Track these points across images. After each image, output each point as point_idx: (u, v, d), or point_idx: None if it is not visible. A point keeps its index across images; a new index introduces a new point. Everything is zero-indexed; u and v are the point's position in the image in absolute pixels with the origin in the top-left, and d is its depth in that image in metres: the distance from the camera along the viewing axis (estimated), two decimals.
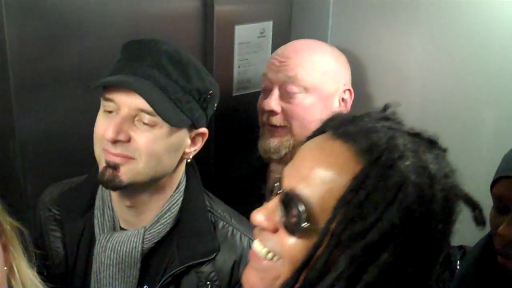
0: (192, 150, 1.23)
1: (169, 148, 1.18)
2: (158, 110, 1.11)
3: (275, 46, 1.72)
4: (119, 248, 1.21)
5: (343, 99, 1.55)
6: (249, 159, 1.67)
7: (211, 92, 1.20)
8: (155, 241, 1.22)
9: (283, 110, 1.51)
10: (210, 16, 1.61)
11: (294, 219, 0.75)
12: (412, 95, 1.61)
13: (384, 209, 0.72)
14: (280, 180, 0.80)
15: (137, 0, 1.50)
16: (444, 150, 0.82)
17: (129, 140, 1.13)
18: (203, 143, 1.25)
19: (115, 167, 1.14)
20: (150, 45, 1.16)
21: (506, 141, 1.43)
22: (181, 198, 1.25)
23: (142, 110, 1.12)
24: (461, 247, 1.29)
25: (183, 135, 1.19)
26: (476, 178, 1.49)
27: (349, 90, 1.56)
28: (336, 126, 0.80)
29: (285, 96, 1.50)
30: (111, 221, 1.25)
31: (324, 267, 0.74)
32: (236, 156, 1.75)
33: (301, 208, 0.75)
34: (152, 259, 1.24)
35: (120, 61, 1.18)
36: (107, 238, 1.22)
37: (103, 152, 1.14)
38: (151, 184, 1.20)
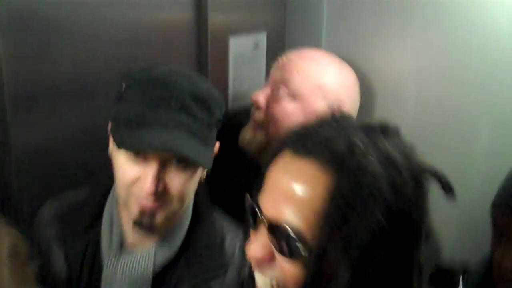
0: (206, 170, 1.23)
1: (196, 182, 1.19)
2: (199, 162, 1.13)
3: (270, 57, 1.72)
4: (129, 271, 1.19)
5: None
6: (243, 170, 1.67)
7: (223, 113, 1.21)
8: (166, 261, 1.21)
9: (267, 108, 1.51)
10: (204, 27, 1.61)
11: (286, 245, 0.78)
12: (406, 103, 1.61)
13: (365, 210, 0.75)
14: (255, 207, 0.83)
15: (130, 11, 1.49)
16: (397, 131, 0.85)
17: (165, 189, 1.13)
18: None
19: (151, 213, 1.14)
20: (171, 86, 1.12)
21: (501, 150, 1.43)
22: (191, 215, 1.25)
23: (174, 157, 1.11)
24: (464, 272, 1.30)
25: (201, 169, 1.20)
26: (470, 188, 1.50)
27: None
28: (295, 144, 0.82)
29: (274, 95, 1.51)
30: (119, 240, 1.22)
31: (327, 279, 0.76)
32: (231, 170, 1.74)
33: (290, 232, 0.77)
34: (163, 277, 1.22)
35: (140, 104, 1.13)
36: (117, 259, 1.20)
37: (136, 199, 1.13)
38: None
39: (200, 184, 1.24)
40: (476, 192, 1.46)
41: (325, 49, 1.74)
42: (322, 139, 0.80)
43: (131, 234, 1.22)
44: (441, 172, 0.84)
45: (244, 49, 1.70)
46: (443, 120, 1.53)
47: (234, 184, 1.65)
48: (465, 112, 1.49)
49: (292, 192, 0.78)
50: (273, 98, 1.51)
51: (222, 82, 1.69)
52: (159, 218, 1.15)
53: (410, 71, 1.59)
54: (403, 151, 0.81)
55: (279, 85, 1.51)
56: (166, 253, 1.21)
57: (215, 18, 1.61)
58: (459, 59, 1.48)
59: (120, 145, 1.12)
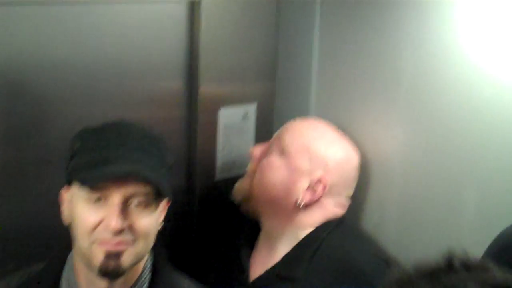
0: (162, 218, 1.23)
1: (157, 223, 1.19)
2: (165, 193, 1.15)
3: (259, 128, 1.74)
4: None
5: (313, 188, 1.50)
6: (232, 245, 1.66)
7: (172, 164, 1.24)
8: None
9: (259, 160, 1.57)
10: (195, 97, 1.64)
11: None
12: (392, 177, 1.63)
13: None
14: None
15: (122, 80, 1.52)
16: None
17: (130, 227, 1.13)
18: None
19: (117, 256, 1.12)
20: (125, 131, 1.18)
21: (487, 224, 1.43)
22: (149, 277, 1.23)
23: (134, 195, 1.12)
24: None
25: (161, 207, 1.20)
26: None
27: (324, 185, 1.50)
28: None
29: (268, 150, 1.57)
30: None
31: None
32: (219, 241, 1.73)
33: None
34: None
35: (97, 148, 1.16)
36: None
37: (99, 243, 1.12)
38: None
39: (157, 239, 1.22)
40: None
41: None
42: None
43: None
44: None
45: (233, 120, 1.73)
46: (430, 192, 1.54)
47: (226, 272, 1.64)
48: (450, 184, 1.50)
49: None
50: (266, 152, 1.57)
51: (210, 151, 1.70)
52: (126, 259, 1.13)
53: (396, 146, 1.61)
54: None
55: (274, 141, 1.57)
56: None
57: (206, 89, 1.64)
58: (442, 133, 1.50)
59: (83, 182, 1.11)
